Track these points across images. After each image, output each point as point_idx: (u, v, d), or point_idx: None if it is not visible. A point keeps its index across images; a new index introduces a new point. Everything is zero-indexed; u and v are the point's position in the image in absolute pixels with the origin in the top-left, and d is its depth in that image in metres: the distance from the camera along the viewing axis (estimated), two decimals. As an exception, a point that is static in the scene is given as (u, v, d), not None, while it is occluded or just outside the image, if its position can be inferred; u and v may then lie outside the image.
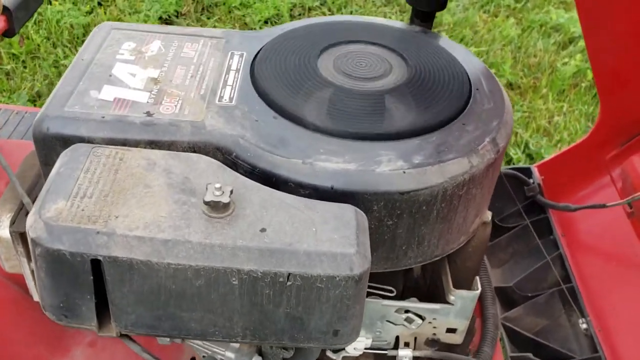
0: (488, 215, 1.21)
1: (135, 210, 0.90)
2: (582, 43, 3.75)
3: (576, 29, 3.84)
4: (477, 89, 1.19)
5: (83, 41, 3.58)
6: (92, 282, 0.89)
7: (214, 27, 3.77)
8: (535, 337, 1.67)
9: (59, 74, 3.29)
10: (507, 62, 3.60)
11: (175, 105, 1.10)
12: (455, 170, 1.03)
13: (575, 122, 3.25)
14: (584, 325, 1.70)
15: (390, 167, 1.00)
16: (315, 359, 1.11)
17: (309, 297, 0.90)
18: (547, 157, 2.09)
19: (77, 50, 3.44)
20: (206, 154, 1.04)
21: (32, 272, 1.27)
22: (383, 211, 1.01)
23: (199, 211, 0.91)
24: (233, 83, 1.16)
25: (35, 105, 3.11)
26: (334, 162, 1.00)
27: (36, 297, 1.33)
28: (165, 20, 3.76)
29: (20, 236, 1.20)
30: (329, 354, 1.25)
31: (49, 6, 3.67)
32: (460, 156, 1.04)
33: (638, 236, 1.78)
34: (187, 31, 1.31)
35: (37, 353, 1.37)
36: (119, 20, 3.69)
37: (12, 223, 1.21)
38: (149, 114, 1.07)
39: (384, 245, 1.07)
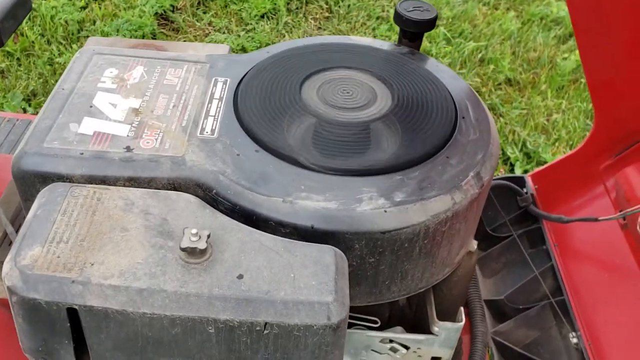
0: (473, 245, 1.20)
1: (111, 257, 0.90)
2: (582, 37, 3.70)
3: (577, 22, 3.79)
4: (464, 117, 1.17)
5: (78, 38, 3.56)
6: (69, 329, 0.89)
7: (210, 22, 3.74)
8: (525, 352, 1.67)
9: (54, 72, 3.27)
10: (506, 58, 3.56)
11: (156, 139, 1.09)
12: (438, 208, 1.02)
13: (574, 120, 3.22)
14: (574, 340, 1.70)
15: (371, 206, 0.99)
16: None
17: (287, 345, 0.89)
18: (541, 167, 2.07)
19: (71, 47, 3.43)
20: (186, 190, 1.03)
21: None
22: (364, 249, 1.00)
23: (175, 256, 0.90)
24: (215, 113, 1.14)
25: (29, 105, 3.10)
26: (315, 201, 0.99)
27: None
28: (161, 16, 3.72)
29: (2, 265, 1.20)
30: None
31: (43, 1, 3.64)
32: (442, 193, 1.03)
33: (631, 248, 1.77)
34: (170, 56, 1.29)
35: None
36: (114, 15, 3.66)
37: (-4, 254, 1.21)
38: (128, 149, 1.06)
39: (366, 281, 1.06)
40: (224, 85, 1.21)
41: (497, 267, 1.96)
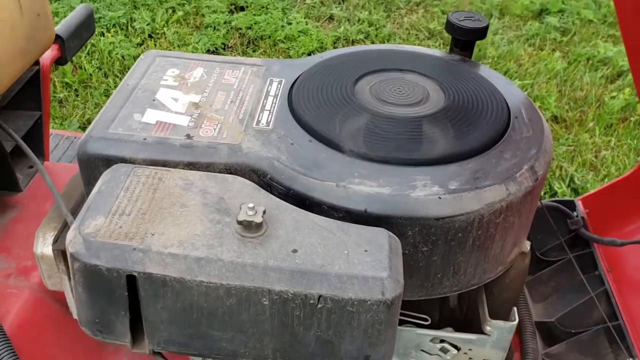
0: (527, 246, 1.18)
1: (171, 229, 0.92)
2: (631, 77, 3.67)
3: (625, 62, 3.77)
4: (516, 117, 1.17)
5: (133, 71, 3.71)
6: (127, 298, 0.91)
7: (259, 58, 3.85)
8: (578, 376, 1.61)
9: (109, 103, 3.41)
10: (552, 96, 3.55)
11: (214, 129, 1.12)
12: (492, 197, 1.01)
13: (624, 157, 3.16)
14: (631, 366, 1.63)
15: (425, 192, 1.00)
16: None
17: (340, 321, 0.89)
18: (592, 191, 2.03)
19: (127, 80, 3.57)
20: (242, 175, 1.06)
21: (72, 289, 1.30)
22: (418, 237, 1.00)
23: (232, 230, 0.92)
24: (271, 108, 1.18)
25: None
26: (368, 186, 1.00)
27: (75, 315, 1.36)
28: (213, 52, 3.86)
29: (62, 254, 1.24)
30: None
31: (102, 38, 3.83)
32: (497, 183, 1.03)
33: (689, 274, 1.71)
34: (228, 59, 1.35)
35: (75, 371, 1.39)
36: (168, 51, 3.81)
37: (55, 241, 1.25)
38: (188, 136, 1.10)
39: (418, 272, 1.05)
40: (279, 85, 1.25)
41: (546, 291, 1.90)
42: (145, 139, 1.09)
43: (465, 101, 1.18)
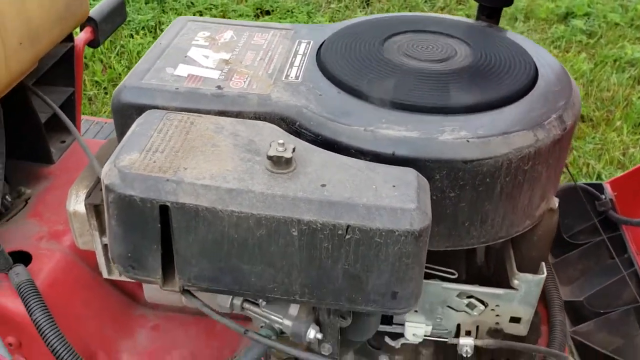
0: (555, 202, 1.18)
1: (203, 164, 0.94)
2: (659, 77, 3.65)
3: (653, 63, 3.74)
4: (543, 74, 1.18)
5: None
6: (159, 231, 0.92)
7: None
8: (609, 353, 1.58)
9: (138, 100, 3.47)
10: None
11: (244, 81, 1.15)
12: (521, 142, 1.02)
13: (653, 155, 3.12)
14: (663, 346, 1.60)
15: (454, 136, 1.00)
16: (372, 333, 1.10)
17: (368, 253, 0.90)
18: (620, 175, 2.01)
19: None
20: (271, 123, 1.08)
21: (104, 246, 1.33)
22: (445, 181, 1.01)
23: (262, 167, 0.94)
24: (299, 64, 1.20)
25: (114, 128, 3.29)
26: (396, 130, 1.01)
27: (106, 274, 1.38)
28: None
29: (94, 209, 1.27)
30: (388, 340, 1.23)
31: (131, 39, 3.91)
32: (525, 129, 1.03)
33: None
34: (257, 24, 1.38)
35: (103, 332, 1.41)
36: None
37: (88, 196, 1.28)
38: (219, 87, 1.12)
39: (445, 220, 1.05)
40: (308, 45, 1.27)
41: (574, 275, 1.88)
42: (177, 88, 1.11)
43: (493, 58, 1.19)
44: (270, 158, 0.93)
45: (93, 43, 1.90)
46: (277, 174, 0.93)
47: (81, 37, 1.85)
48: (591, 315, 1.71)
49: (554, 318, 1.49)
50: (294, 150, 0.94)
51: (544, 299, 1.57)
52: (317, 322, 1.07)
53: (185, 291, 1.01)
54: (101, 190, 1.29)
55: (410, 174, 0.94)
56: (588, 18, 4.32)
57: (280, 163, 0.93)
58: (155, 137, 0.99)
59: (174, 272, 0.98)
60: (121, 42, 3.88)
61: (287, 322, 1.05)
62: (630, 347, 1.68)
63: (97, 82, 3.60)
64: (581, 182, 2.01)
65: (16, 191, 1.61)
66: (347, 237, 0.89)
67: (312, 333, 1.04)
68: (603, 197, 1.93)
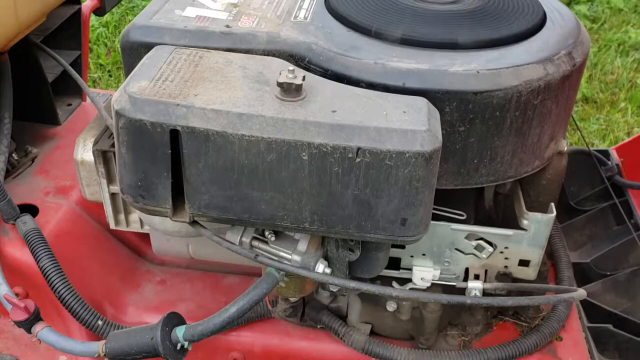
0: (564, 145, 1.18)
1: (213, 92, 0.94)
2: (663, 60, 3.64)
3: (657, 46, 3.73)
4: (552, 16, 1.18)
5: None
6: (169, 157, 0.92)
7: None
8: (616, 311, 1.57)
9: (142, 82, 3.48)
10: (583, 77, 3.52)
11: (253, 22, 1.14)
12: (530, 75, 1.01)
13: (657, 134, 3.11)
14: (671, 304, 1.59)
15: (464, 68, 1.00)
16: (380, 270, 1.09)
17: (378, 177, 0.89)
18: (626, 140, 2.01)
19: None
20: None
21: (111, 195, 1.33)
22: (455, 114, 1.01)
23: (272, 95, 0.94)
24: (308, 7, 1.20)
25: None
26: (407, 63, 1.01)
27: (113, 225, 1.38)
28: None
29: (102, 155, 1.27)
30: (395, 286, 1.22)
31: (136, 23, 3.91)
32: (535, 62, 1.03)
33: None
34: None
35: (110, 284, 1.40)
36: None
37: (96, 143, 1.28)
38: (227, 26, 1.12)
39: (455, 156, 1.05)
40: (317, -9, 1.27)
41: (581, 240, 1.87)
42: (185, 27, 1.11)
43: (502, 2, 1.19)
44: (280, 85, 0.93)
45: (99, 11, 1.90)
46: (287, 101, 0.93)
47: (87, 4, 1.86)
48: (598, 277, 1.71)
49: (561, 274, 1.48)
50: (304, 78, 0.94)
51: (552, 258, 1.56)
52: (326, 258, 1.07)
53: (194, 222, 1.01)
54: (109, 137, 1.29)
55: (420, 101, 0.94)
56: (592, 4, 4.32)
57: (290, 90, 0.93)
58: (165, 68, 0.99)
59: (184, 203, 0.98)
60: (125, 25, 3.88)
61: (296, 257, 1.04)
62: (637, 309, 1.67)
63: (101, 65, 3.60)
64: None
65: (23, 150, 1.61)
66: (358, 160, 0.89)
67: (321, 267, 1.04)
68: (609, 163, 1.93)
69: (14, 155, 1.57)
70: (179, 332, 1.03)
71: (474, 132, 1.03)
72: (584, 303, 1.61)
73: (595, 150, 1.96)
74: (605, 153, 1.95)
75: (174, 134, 0.90)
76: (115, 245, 1.48)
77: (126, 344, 1.05)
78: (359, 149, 0.88)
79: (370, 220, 0.94)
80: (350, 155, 0.88)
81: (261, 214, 0.95)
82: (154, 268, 1.51)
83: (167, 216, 0.99)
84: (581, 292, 1.07)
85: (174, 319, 1.05)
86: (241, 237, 1.08)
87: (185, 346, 1.03)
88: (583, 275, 1.72)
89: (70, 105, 1.81)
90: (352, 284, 0.99)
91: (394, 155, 0.88)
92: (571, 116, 1.99)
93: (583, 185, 1.96)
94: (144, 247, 1.54)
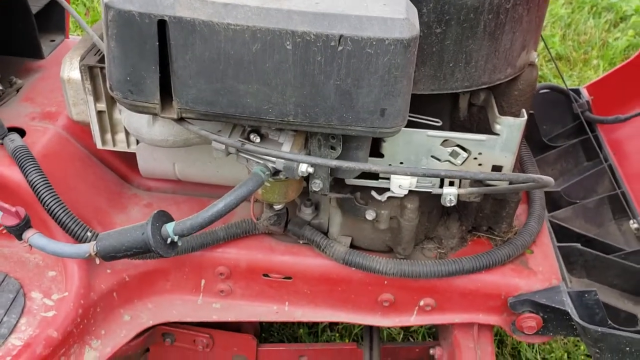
0: (535, 56, 1.23)
1: (199, -12, 0.97)
2: (635, 20, 3.73)
3: (629, 7, 3.82)
4: None
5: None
6: (157, 49, 0.96)
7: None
8: (584, 233, 1.65)
9: (121, 40, 3.47)
10: (556, 36, 3.60)
11: None
12: (503, -22, 1.06)
13: (627, 89, 3.20)
14: (635, 225, 1.67)
15: (439, -31, 1.05)
16: (359, 171, 1.14)
17: (359, 66, 0.94)
18: (596, 79, 2.08)
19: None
20: None
21: (98, 113, 1.36)
22: (432, 15, 1.05)
23: (256, -7, 0.97)
24: None
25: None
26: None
27: (100, 145, 1.42)
28: None
29: (89, 70, 1.30)
30: (374, 194, 1.27)
31: (113, -17, 3.89)
32: (507, -33, 1.08)
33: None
34: None
35: (97, 204, 1.43)
36: None
37: (82, 59, 1.30)
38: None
39: (431, 59, 1.10)
40: None
41: (552, 174, 1.94)
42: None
43: None
44: (263, -19, 0.96)
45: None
46: (271, -4, 0.96)
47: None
48: (568, 205, 1.78)
49: (533, 194, 1.55)
50: (287, -26, 0.98)
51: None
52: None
53: (181, 119, 1.05)
54: (96, 54, 1.32)
55: (399, -3, 0.99)
56: (566, -33, 4.39)
57: (273, -13, 0.96)
58: (151, -29, 1.02)
59: (172, 100, 1.02)
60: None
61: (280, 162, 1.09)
62: (605, 234, 1.75)
63: (79, 23, 3.58)
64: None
65: (7, 81, 1.62)
66: (340, 48, 0.93)
67: (304, 167, 1.09)
68: (580, 100, 2.00)
69: (-2, 85, 1.58)
70: (169, 227, 1.07)
71: (450, 35, 1.08)
72: (554, 226, 1.68)
73: (569, 89, 2.03)
74: (577, 91, 2.02)
75: (162, 25, 0.94)
76: (102, 169, 1.51)
77: (117, 240, 1.09)
78: (341, 36, 0.92)
79: (351, 112, 0.99)
80: (332, 43, 0.93)
81: (247, 107, 1.00)
82: (141, 192, 1.54)
83: (155, 113, 1.03)
84: (548, 179, 1.14)
85: (163, 217, 1.09)
86: (228, 137, 1.12)
87: (175, 240, 1.07)
88: (554, 203, 1.80)
89: (53, 41, 1.82)
90: (348, 164, 1.03)
91: (374, 43, 0.92)
92: (550, 55, 2.05)
93: (555, 123, 2.03)
94: (130, 174, 1.57)
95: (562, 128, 2.03)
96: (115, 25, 0.95)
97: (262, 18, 0.93)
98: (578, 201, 1.79)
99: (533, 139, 1.96)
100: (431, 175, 1.15)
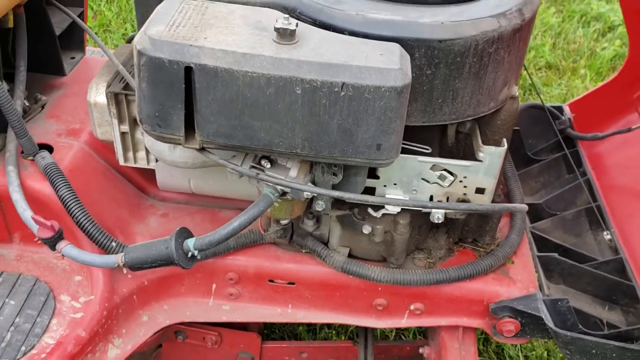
0: (516, 90, 1.38)
1: (220, 36, 1.11)
2: (621, 30, 3.87)
3: (616, 17, 3.96)
4: None
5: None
6: (183, 91, 1.10)
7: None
8: (562, 243, 1.80)
9: (127, 45, 3.60)
10: (546, 45, 3.75)
11: (250, -21, 1.31)
12: (486, 27, 1.21)
13: (613, 99, 3.35)
14: (608, 236, 1.82)
15: (431, 20, 1.19)
16: (359, 192, 1.29)
17: (359, 108, 1.09)
18: (578, 97, 2.23)
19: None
20: None
21: (121, 134, 1.50)
22: (423, 59, 1.20)
23: (270, 39, 1.12)
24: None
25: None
26: (383, 15, 1.20)
27: (122, 161, 1.56)
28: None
29: (114, 97, 1.44)
30: (370, 211, 1.42)
31: (119, -13, 4.01)
32: (490, 17, 1.22)
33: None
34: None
35: (119, 215, 1.58)
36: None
37: (108, 86, 1.44)
38: (228, -17, 1.29)
39: (422, 96, 1.25)
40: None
41: (535, 186, 2.10)
42: (190, -18, 1.28)
43: None
44: (277, 30, 1.11)
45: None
46: (283, 44, 1.11)
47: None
48: (549, 216, 1.93)
49: (513, 193, 1.70)
50: (297, 25, 1.12)
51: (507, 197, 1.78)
52: (313, 182, 1.26)
53: (203, 149, 1.19)
54: (120, 82, 1.46)
55: (394, 46, 1.13)
56: (558, -24, 4.53)
57: (285, 35, 1.11)
58: (177, 16, 1.16)
59: (194, 132, 1.16)
60: (110, -10, 3.97)
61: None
62: (582, 244, 1.91)
63: (88, 27, 3.70)
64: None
65: (33, 97, 1.76)
66: (342, 94, 1.08)
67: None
68: (562, 117, 2.15)
69: (25, 101, 1.72)
70: (190, 242, 1.22)
71: (439, 75, 1.22)
72: (535, 236, 1.84)
73: (551, 106, 2.18)
74: (560, 109, 2.17)
75: (188, 70, 1.08)
76: (122, 182, 1.65)
77: (143, 253, 1.24)
78: (343, 83, 1.07)
79: (351, 146, 1.13)
80: (336, 89, 1.07)
81: (260, 140, 1.14)
82: (157, 203, 1.69)
83: (179, 143, 1.18)
84: (523, 206, 1.29)
85: (184, 233, 1.24)
86: (242, 164, 1.26)
87: (195, 254, 1.22)
88: (536, 215, 1.95)
89: (73, 58, 1.96)
90: (349, 195, 1.18)
91: (372, 89, 1.07)
92: (532, 81, 2.20)
93: (539, 138, 2.18)
94: (147, 186, 1.71)
95: (546, 143, 2.17)
96: (147, 69, 1.09)
97: (275, 67, 1.07)
98: (558, 213, 1.94)
99: (518, 153, 2.11)
100: (419, 206, 1.30)
